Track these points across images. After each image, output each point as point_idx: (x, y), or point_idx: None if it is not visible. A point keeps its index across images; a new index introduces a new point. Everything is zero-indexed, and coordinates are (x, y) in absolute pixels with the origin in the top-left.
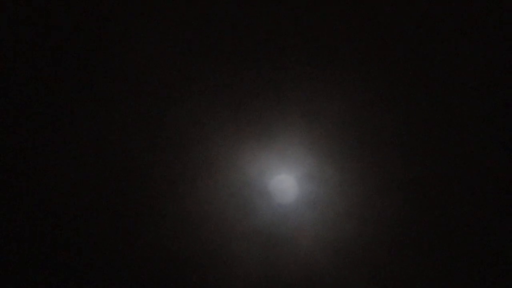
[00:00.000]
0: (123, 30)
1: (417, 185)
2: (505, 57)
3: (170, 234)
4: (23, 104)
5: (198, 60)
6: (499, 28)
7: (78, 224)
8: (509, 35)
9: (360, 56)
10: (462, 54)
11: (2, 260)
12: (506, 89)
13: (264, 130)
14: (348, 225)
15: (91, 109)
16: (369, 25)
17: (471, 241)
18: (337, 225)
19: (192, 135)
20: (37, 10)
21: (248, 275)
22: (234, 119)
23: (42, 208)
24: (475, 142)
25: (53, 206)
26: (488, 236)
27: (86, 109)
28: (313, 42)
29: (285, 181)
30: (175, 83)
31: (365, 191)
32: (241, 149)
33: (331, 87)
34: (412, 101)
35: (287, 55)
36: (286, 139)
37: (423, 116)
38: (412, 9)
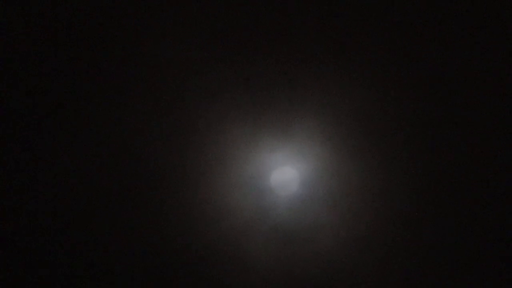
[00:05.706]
0: (135, 29)
1: (435, 179)
2: None
3: (181, 229)
4: (38, 104)
5: (214, 53)
6: None
7: (91, 217)
8: None
9: (376, 50)
10: (477, 46)
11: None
12: None
13: (279, 124)
14: (365, 220)
15: (107, 101)
16: (386, 18)
17: (488, 234)
18: (354, 221)
19: (204, 129)
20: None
21: (263, 272)
22: (249, 113)
23: (55, 204)
24: (490, 135)
25: (67, 198)
26: (500, 225)
27: (104, 102)
28: (330, 35)
29: (300, 175)
30: (189, 74)
31: (383, 185)
32: (256, 144)
33: (347, 80)
34: (426, 95)
35: (304, 48)
36: (302, 133)
37: (439, 110)
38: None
